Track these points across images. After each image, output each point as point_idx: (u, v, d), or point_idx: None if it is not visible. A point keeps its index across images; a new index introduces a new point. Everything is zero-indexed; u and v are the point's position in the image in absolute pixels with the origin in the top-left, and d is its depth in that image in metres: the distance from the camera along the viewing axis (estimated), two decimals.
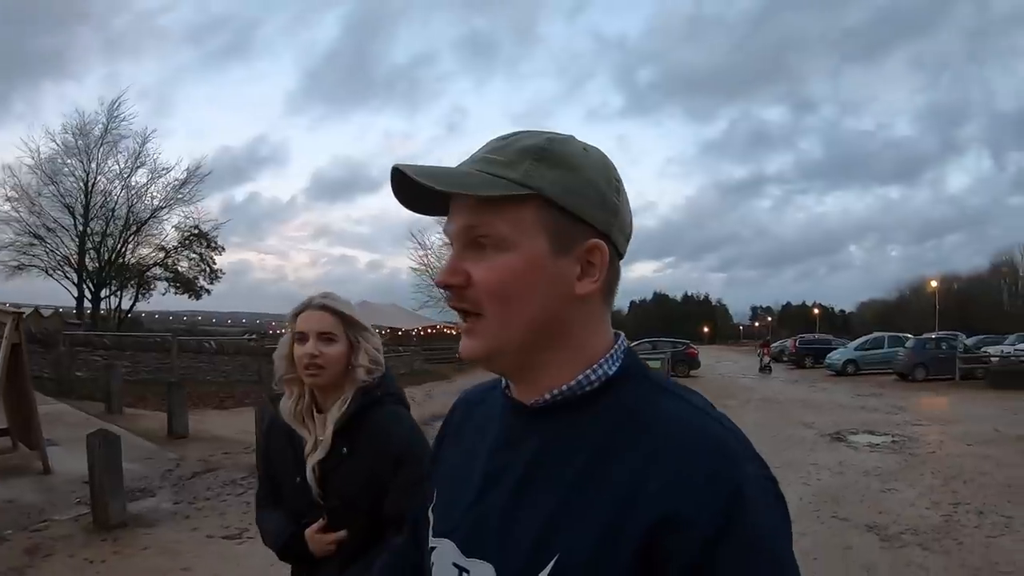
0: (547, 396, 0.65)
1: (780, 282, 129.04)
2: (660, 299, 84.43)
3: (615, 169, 0.67)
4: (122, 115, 24.17)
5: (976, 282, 48.90)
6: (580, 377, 0.64)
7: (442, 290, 0.67)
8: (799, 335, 28.35)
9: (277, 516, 1.46)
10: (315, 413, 1.42)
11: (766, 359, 23.46)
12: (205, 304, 33.06)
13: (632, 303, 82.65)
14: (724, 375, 22.52)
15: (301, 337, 1.40)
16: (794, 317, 76.60)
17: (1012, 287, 47.20)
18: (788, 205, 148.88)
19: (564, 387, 0.64)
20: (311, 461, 1.37)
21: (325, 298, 1.44)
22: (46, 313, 20.04)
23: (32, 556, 4.06)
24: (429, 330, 29.69)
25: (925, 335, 21.56)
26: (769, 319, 77.23)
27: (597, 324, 0.67)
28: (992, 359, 18.25)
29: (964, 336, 21.55)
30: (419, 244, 32.55)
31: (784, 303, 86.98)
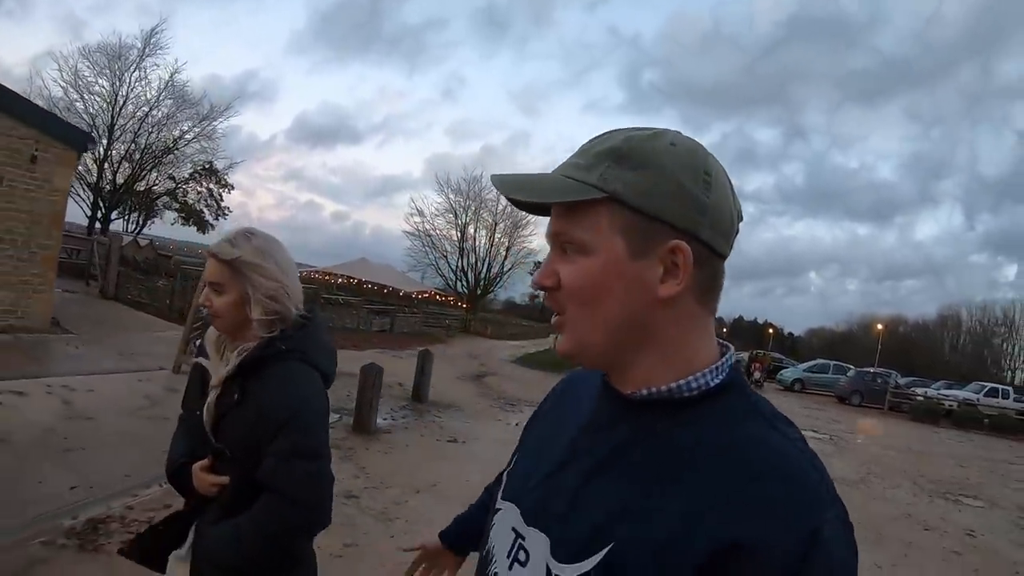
0: (644, 392, 0.67)
1: (737, 295, 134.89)
2: None
3: (709, 162, 0.66)
4: (159, 43, 25.18)
5: (921, 328, 53.75)
6: (681, 382, 0.65)
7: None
8: (754, 351, 32.58)
9: (182, 443, 1.44)
10: (226, 353, 1.39)
11: (756, 374, 23.58)
12: (159, 231, 32.88)
13: None
14: None
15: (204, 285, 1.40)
16: (745, 331, 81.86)
17: (954, 340, 50.93)
18: (760, 224, 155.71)
19: (664, 387, 0.65)
20: (208, 397, 1.35)
21: (218, 244, 1.39)
22: (142, 243, 21.55)
23: None
24: (423, 294, 32.10)
25: (864, 368, 26.22)
26: (724, 329, 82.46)
27: (693, 328, 0.67)
28: (917, 397, 22.61)
29: (898, 375, 26.37)
30: (416, 211, 35.02)
31: (737, 316, 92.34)
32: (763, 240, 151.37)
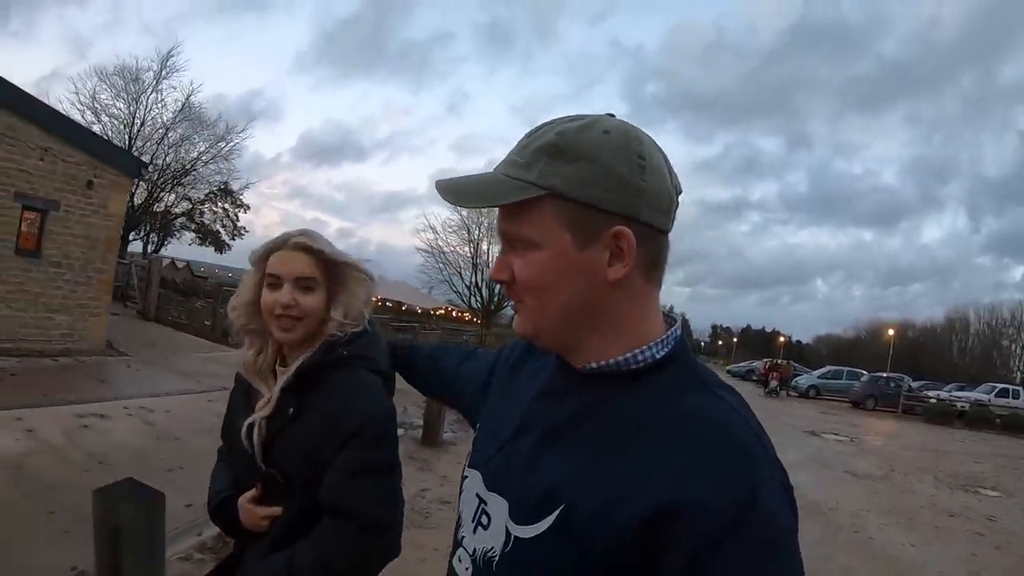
0: (594, 365, 0.71)
1: (743, 304, 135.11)
2: None
3: (643, 144, 0.68)
4: (175, 66, 25.84)
5: (930, 332, 53.65)
6: (628, 355, 0.69)
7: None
8: (768, 359, 32.95)
9: (224, 474, 1.29)
10: (277, 368, 1.24)
11: (774, 383, 24.12)
12: (176, 251, 32.66)
13: None
14: None
15: (273, 282, 1.19)
16: (754, 340, 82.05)
17: (962, 342, 50.82)
18: (764, 232, 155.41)
19: (611, 360, 0.70)
20: (256, 418, 1.19)
21: (305, 236, 1.22)
22: (179, 265, 21.98)
23: None
24: (439, 310, 32.46)
25: (877, 373, 26.43)
26: (734, 339, 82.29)
27: (641, 304, 0.71)
28: (930, 400, 22.84)
29: (910, 379, 26.55)
30: (429, 227, 35.53)
31: (744, 325, 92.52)
32: (768, 249, 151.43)
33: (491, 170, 0.72)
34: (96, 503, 1.78)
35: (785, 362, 26.33)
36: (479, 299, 38.33)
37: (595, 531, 0.62)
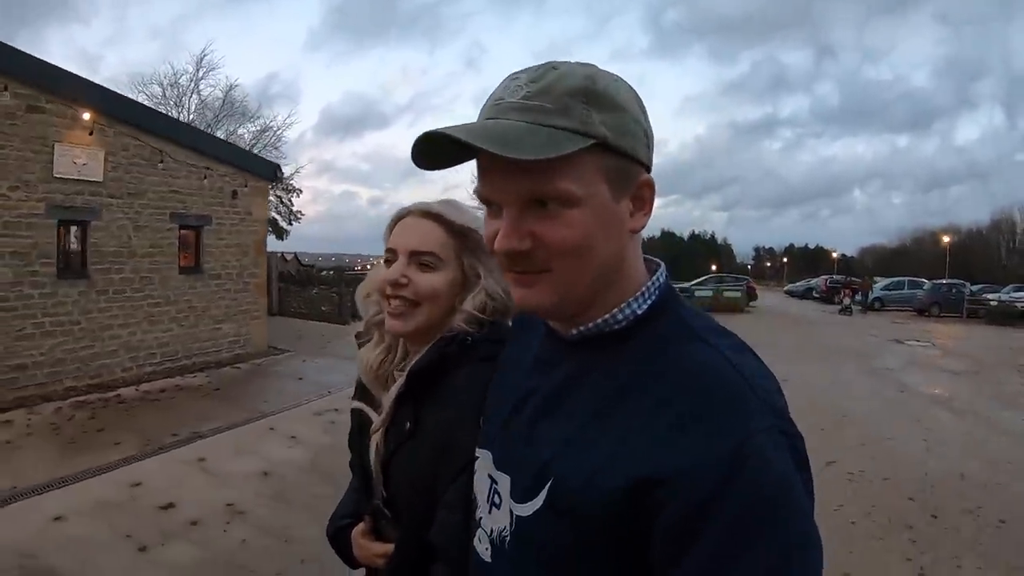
0: (574, 332, 0.69)
1: (782, 223, 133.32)
2: (667, 237, 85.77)
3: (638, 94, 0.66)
4: (210, 64, 26.38)
5: (976, 236, 53.27)
6: (607, 316, 0.67)
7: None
8: (828, 276, 33.47)
9: (351, 497, 1.15)
10: (396, 374, 1.04)
11: (847, 300, 24.25)
12: None
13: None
14: (796, 313, 24.61)
15: (390, 256, 1.01)
16: (798, 258, 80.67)
17: (1010, 243, 51.25)
18: (798, 148, 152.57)
19: (591, 324, 0.67)
20: (374, 437, 1.03)
21: (441, 205, 1.02)
22: (288, 257, 23.37)
23: None
24: None
25: (938, 281, 26.86)
26: (785, 260, 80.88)
27: (638, 253, 0.69)
28: (991, 303, 23.23)
29: (969, 284, 26.89)
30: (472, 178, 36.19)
31: (787, 244, 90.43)
32: (803, 164, 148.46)
33: (486, 120, 0.63)
34: None
35: (863, 279, 26.18)
36: None
37: (584, 504, 0.60)
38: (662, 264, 0.73)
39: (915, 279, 28.47)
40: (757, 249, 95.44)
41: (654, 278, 0.70)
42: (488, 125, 0.61)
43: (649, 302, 0.68)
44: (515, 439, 0.72)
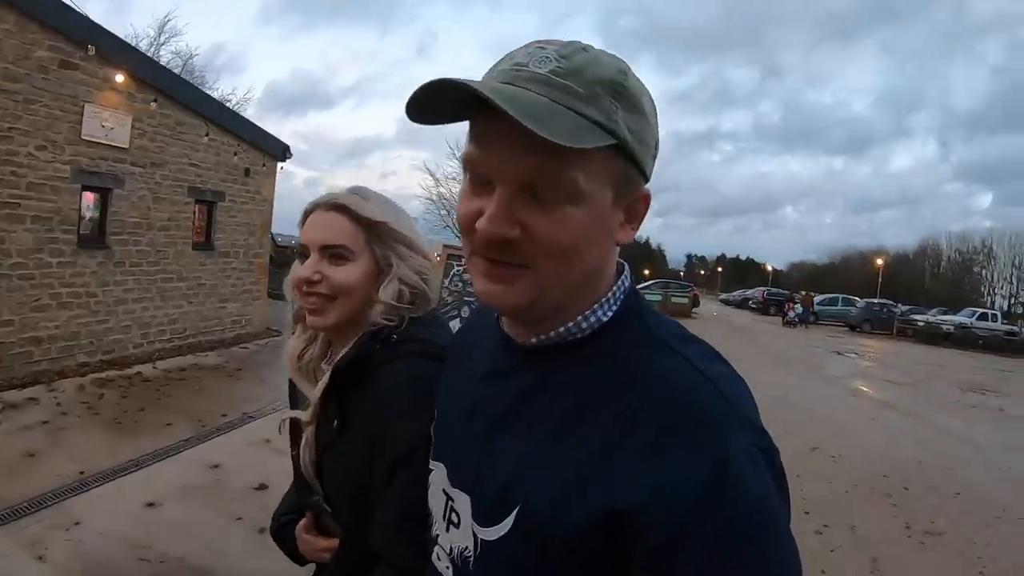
0: (533, 340, 0.64)
1: (714, 233, 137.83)
2: None
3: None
4: (173, 30, 24.91)
5: (903, 259, 55.51)
6: (570, 324, 0.62)
7: (466, 235, 0.61)
8: (766, 288, 35.81)
9: (290, 494, 1.14)
10: (323, 365, 1.03)
11: (791, 314, 24.98)
12: None
13: None
14: (739, 322, 25.84)
15: (303, 251, 1.00)
16: (730, 268, 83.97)
17: (934, 268, 53.48)
18: (736, 162, 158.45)
19: (553, 332, 0.63)
20: (304, 434, 1.01)
21: (346, 194, 1.00)
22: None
23: None
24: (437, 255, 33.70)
25: (870, 300, 29.13)
26: (720, 269, 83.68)
27: (613, 261, 0.65)
28: (920, 323, 25.49)
29: (901, 305, 29.59)
30: (431, 175, 36.17)
31: (718, 253, 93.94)
32: (739, 178, 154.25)
33: (502, 83, 0.56)
34: None
35: (806, 293, 27.79)
36: None
37: (554, 531, 0.56)
38: (626, 266, 0.68)
39: (849, 296, 30.84)
40: (690, 256, 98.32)
41: (619, 282, 0.66)
42: (510, 91, 0.54)
43: (613, 309, 0.64)
44: (469, 455, 0.68)
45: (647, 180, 0.63)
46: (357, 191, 1.03)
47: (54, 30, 6.13)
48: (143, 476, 4.20)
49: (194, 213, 8.36)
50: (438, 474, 0.75)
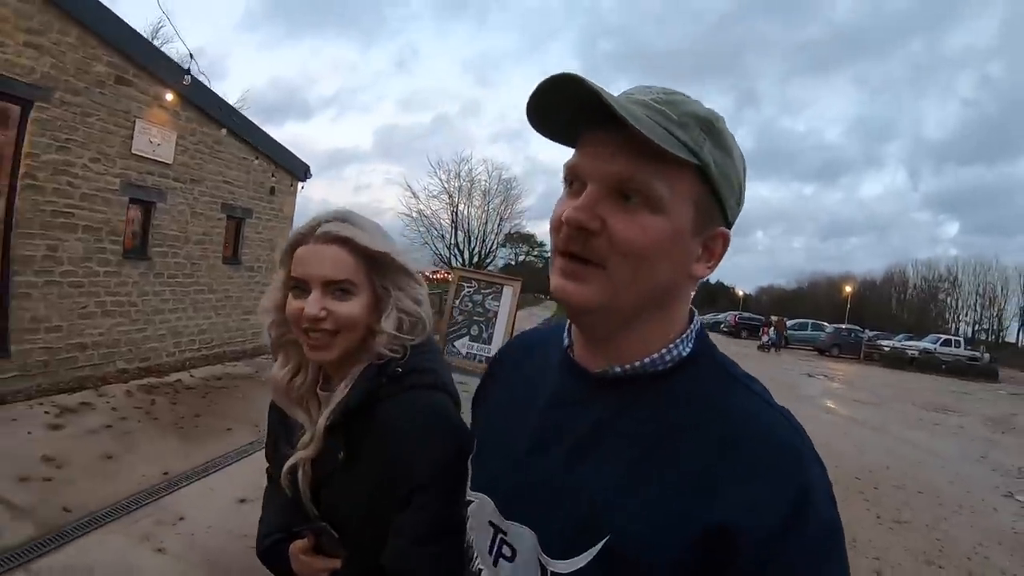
0: (618, 369, 0.66)
1: None
2: None
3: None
4: (166, 36, 24.92)
5: (870, 285, 56.57)
6: (655, 356, 0.66)
7: (558, 228, 0.64)
8: (738, 312, 37.14)
9: (275, 510, 1.13)
10: (319, 392, 1.04)
11: (765, 338, 25.76)
12: None
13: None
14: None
15: (299, 286, 0.98)
16: (699, 291, 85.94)
17: (900, 295, 54.63)
18: None
19: (638, 363, 0.66)
20: (298, 458, 1.01)
21: (340, 223, 0.98)
22: None
23: None
24: (423, 272, 33.72)
25: (838, 325, 30.54)
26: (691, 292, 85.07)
27: (688, 299, 0.69)
28: (886, 348, 26.88)
29: (868, 330, 30.89)
30: (410, 191, 36.48)
31: None
32: None
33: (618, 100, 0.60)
34: None
35: (779, 318, 28.42)
36: (460, 259, 40.18)
37: (649, 557, 0.58)
38: (695, 311, 0.72)
39: (818, 322, 32.23)
40: None
41: (694, 322, 0.70)
42: (620, 101, 0.60)
43: (691, 344, 0.68)
44: (535, 485, 0.67)
45: (728, 223, 0.67)
46: (348, 218, 1.01)
47: (112, 46, 6.43)
48: (224, 476, 4.49)
49: (225, 228, 8.75)
50: (482, 506, 0.73)
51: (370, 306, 1.00)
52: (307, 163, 10.03)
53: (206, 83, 7.64)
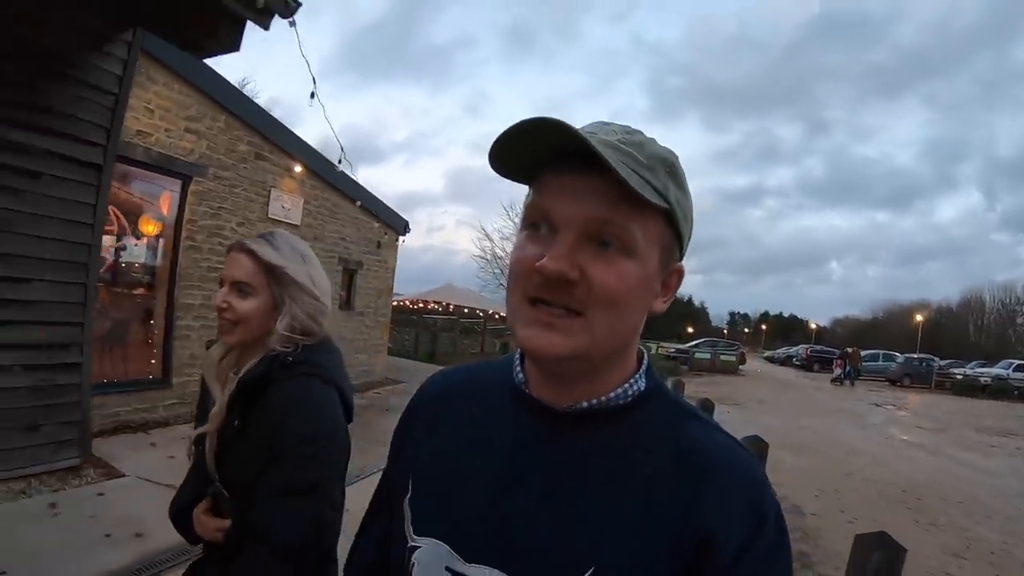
0: (584, 404, 0.68)
1: (756, 289, 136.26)
2: None
3: None
4: (252, 93, 25.54)
5: (946, 312, 56.38)
6: (619, 390, 0.69)
7: (536, 277, 0.62)
8: (809, 345, 37.24)
9: (190, 480, 1.32)
10: (232, 375, 1.25)
11: (838, 371, 25.46)
12: None
13: None
14: (783, 378, 27.11)
15: (220, 282, 1.25)
16: (773, 325, 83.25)
17: (978, 321, 53.48)
18: (780, 217, 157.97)
19: (603, 397, 0.68)
20: (209, 428, 1.22)
21: (257, 239, 1.25)
22: None
23: None
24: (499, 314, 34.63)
25: (910, 355, 30.18)
26: (764, 327, 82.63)
27: (638, 337, 0.71)
28: (957, 376, 26.43)
29: (939, 359, 30.16)
30: (484, 234, 37.92)
31: (761, 310, 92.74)
32: (783, 233, 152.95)
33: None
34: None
35: (853, 349, 27.60)
36: None
37: None
38: (639, 346, 0.74)
39: (889, 352, 31.72)
40: (732, 314, 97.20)
41: (644, 360, 0.73)
42: (598, 146, 0.58)
43: (645, 379, 0.71)
44: (507, 527, 0.66)
45: (682, 256, 0.70)
46: (267, 237, 1.26)
47: (251, 127, 7.51)
48: (370, 484, 5.71)
49: (341, 279, 10.09)
50: (432, 550, 0.70)
51: (266, 307, 1.23)
52: (405, 219, 11.55)
53: (349, 170, 9.03)
